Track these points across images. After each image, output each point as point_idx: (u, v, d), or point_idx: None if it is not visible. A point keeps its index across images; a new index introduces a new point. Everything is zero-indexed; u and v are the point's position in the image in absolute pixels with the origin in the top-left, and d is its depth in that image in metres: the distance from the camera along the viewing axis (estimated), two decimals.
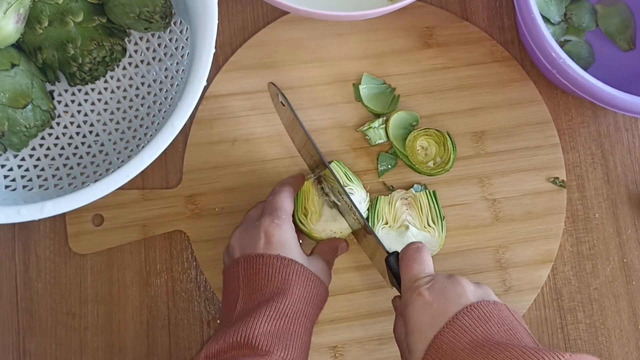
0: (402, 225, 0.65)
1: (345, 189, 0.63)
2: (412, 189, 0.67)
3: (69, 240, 0.65)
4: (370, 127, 0.68)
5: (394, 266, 0.56)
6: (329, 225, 0.63)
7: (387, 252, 0.58)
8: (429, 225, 0.65)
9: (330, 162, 0.65)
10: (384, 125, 0.68)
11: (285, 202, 0.59)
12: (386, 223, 0.65)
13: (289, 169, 0.68)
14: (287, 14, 0.71)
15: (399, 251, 0.57)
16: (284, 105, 0.63)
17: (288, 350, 0.51)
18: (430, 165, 0.68)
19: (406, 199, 0.66)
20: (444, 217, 0.65)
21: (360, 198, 0.64)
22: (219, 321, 0.64)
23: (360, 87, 0.69)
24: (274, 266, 0.54)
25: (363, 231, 0.61)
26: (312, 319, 0.55)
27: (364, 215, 0.65)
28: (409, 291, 0.53)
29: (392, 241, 0.65)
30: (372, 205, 0.66)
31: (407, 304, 0.52)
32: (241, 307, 0.54)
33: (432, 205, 0.65)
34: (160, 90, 0.66)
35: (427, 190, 0.66)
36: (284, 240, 0.56)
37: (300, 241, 0.64)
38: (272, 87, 0.63)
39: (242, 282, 0.55)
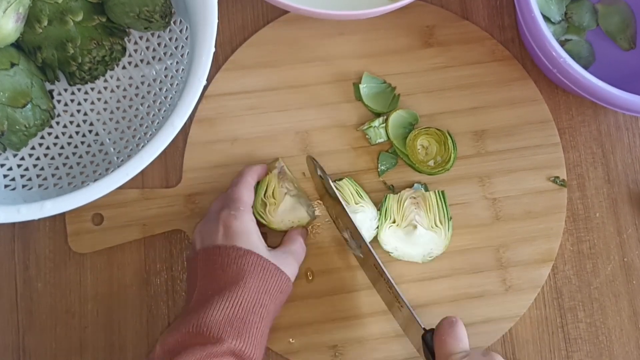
0: (410, 225, 0.65)
1: (357, 206, 0.64)
2: (412, 188, 0.67)
3: (68, 240, 0.65)
4: (371, 127, 0.68)
5: (430, 343, 0.55)
6: (287, 215, 0.63)
7: (424, 328, 0.57)
8: (436, 225, 0.65)
9: (341, 179, 0.65)
10: (384, 125, 0.68)
11: (244, 193, 0.60)
12: (394, 222, 0.65)
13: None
14: (287, 13, 0.70)
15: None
16: (322, 179, 0.63)
17: (242, 339, 0.51)
18: (430, 165, 0.67)
19: (415, 197, 0.66)
20: (450, 218, 0.65)
21: (371, 215, 0.64)
22: None
23: (361, 86, 0.68)
24: (229, 256, 0.55)
25: (397, 303, 0.61)
26: (270, 309, 0.55)
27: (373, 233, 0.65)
28: None
29: (399, 240, 0.65)
30: (381, 204, 0.66)
31: None
32: (196, 298, 0.54)
33: (440, 205, 0.65)
34: (160, 89, 0.65)
35: (436, 190, 0.66)
36: (242, 231, 0.56)
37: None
38: (310, 161, 0.65)
39: (200, 273, 0.55)
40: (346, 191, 0.64)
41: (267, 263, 0.56)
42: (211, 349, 0.49)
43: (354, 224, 0.61)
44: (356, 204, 0.64)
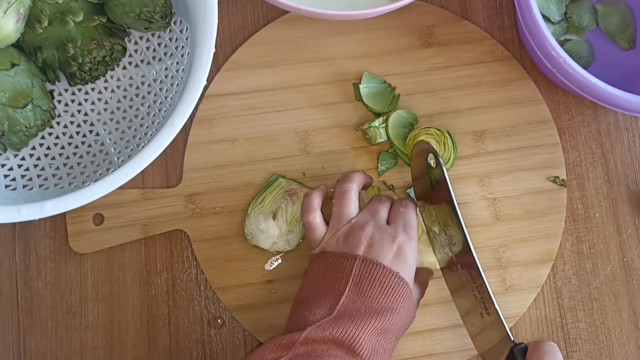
0: (424, 233, 0.65)
1: None
2: (412, 189, 0.67)
3: (69, 240, 0.65)
4: (371, 126, 0.68)
5: (518, 357, 0.55)
6: (275, 238, 0.65)
7: (514, 342, 0.56)
8: None
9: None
10: (384, 125, 0.68)
11: (415, 221, 0.61)
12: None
13: (289, 168, 0.68)
14: (287, 13, 0.71)
15: (526, 344, 0.56)
16: (433, 167, 0.61)
17: None
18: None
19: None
20: None
21: None
22: (298, 297, 0.59)
23: (361, 86, 0.69)
24: (389, 282, 0.55)
25: (482, 309, 0.59)
26: (397, 343, 0.57)
27: None
28: None
29: (420, 253, 0.65)
30: None
31: None
32: (345, 303, 0.54)
33: None
34: (161, 89, 0.66)
35: None
36: (409, 263, 0.57)
37: None
38: (421, 146, 0.62)
39: (353, 279, 0.55)
40: None
41: (412, 299, 0.57)
42: None
43: (459, 219, 0.59)
44: None
